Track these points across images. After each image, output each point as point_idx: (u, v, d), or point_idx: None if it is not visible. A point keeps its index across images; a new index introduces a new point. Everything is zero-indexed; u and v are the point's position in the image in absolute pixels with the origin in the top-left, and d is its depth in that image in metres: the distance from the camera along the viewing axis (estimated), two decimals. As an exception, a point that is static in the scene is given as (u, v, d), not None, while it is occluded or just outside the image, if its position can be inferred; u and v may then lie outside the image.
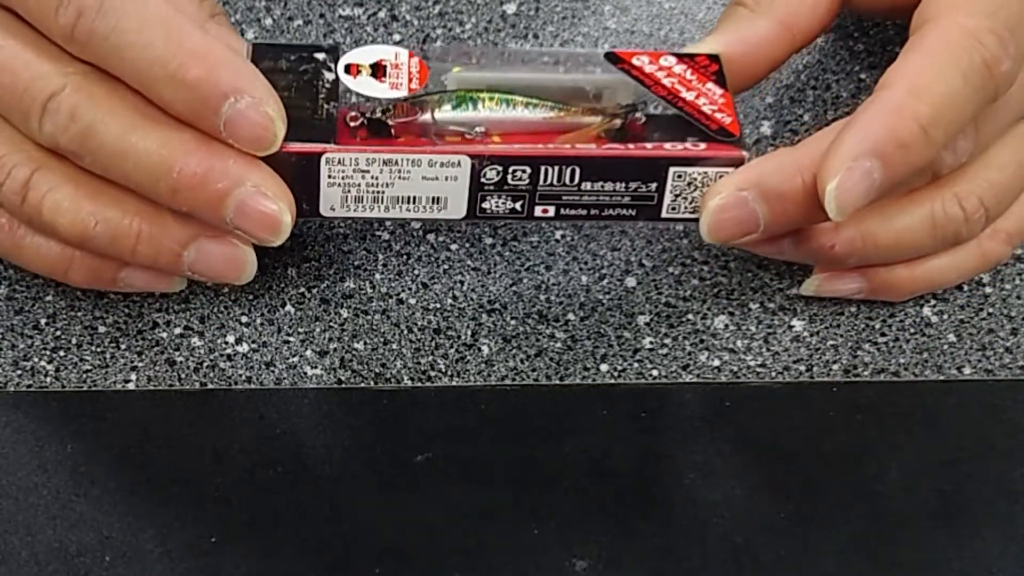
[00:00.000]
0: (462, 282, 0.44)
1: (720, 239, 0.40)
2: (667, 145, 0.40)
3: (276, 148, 0.38)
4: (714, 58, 0.41)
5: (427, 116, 0.40)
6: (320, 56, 0.40)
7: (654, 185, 0.40)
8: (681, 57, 0.41)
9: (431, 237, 0.45)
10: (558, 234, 0.46)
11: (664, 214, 0.40)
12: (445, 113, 0.40)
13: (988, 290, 0.45)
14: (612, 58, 0.41)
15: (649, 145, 0.40)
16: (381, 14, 0.50)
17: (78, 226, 0.38)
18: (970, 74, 0.37)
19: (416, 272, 0.44)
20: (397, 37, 0.49)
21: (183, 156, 0.37)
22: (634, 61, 0.41)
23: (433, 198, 0.40)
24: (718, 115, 0.40)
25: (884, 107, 0.37)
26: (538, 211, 0.40)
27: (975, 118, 0.40)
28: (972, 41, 0.37)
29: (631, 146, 0.40)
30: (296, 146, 0.38)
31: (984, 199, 0.41)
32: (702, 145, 0.39)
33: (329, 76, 0.40)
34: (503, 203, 0.40)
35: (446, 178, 0.39)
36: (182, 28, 0.37)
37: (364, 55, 0.40)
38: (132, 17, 0.36)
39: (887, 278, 0.43)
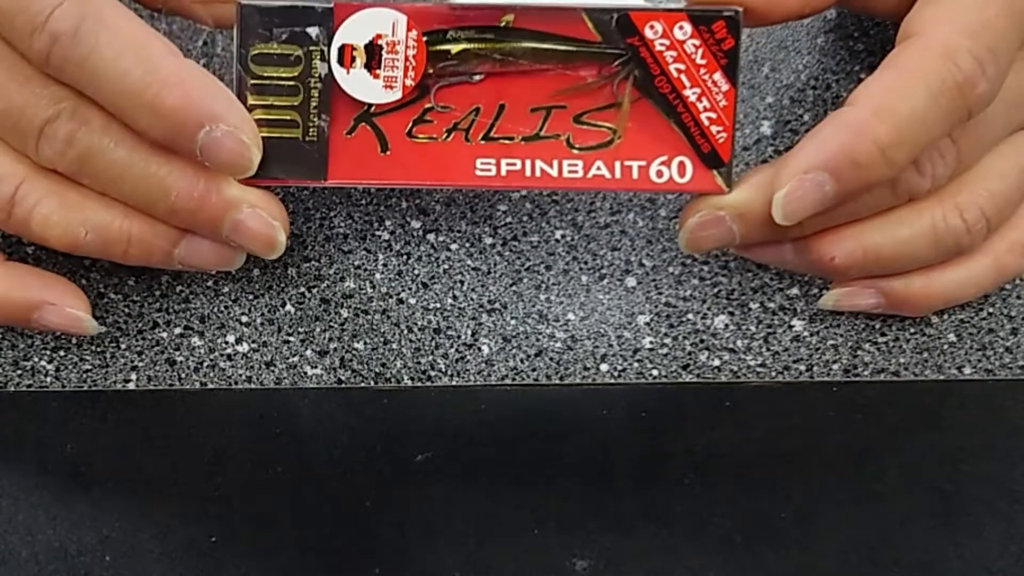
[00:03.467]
0: (462, 282, 0.44)
1: (699, 251, 0.41)
2: (652, 174, 0.39)
3: (252, 172, 0.38)
4: (732, 25, 0.40)
5: (430, 72, 0.39)
6: (313, 32, 0.39)
7: (639, 193, 0.40)
8: (697, 25, 0.40)
9: (431, 237, 0.45)
10: (558, 234, 0.46)
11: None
12: (444, 80, 0.39)
13: (988, 290, 0.45)
14: (624, 25, 0.40)
15: (635, 171, 0.39)
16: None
17: (69, 237, 0.38)
18: (939, 96, 0.37)
19: (416, 272, 0.44)
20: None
21: (179, 180, 0.37)
22: (647, 32, 0.40)
23: (427, 191, 0.40)
24: (714, 129, 0.40)
25: (844, 124, 0.37)
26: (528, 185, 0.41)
27: (955, 139, 0.40)
28: (947, 62, 0.37)
29: (618, 165, 0.39)
30: (288, 180, 0.38)
31: (985, 209, 0.41)
32: (688, 170, 0.39)
33: (322, 69, 0.39)
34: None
35: (442, 188, 0.40)
36: (156, 55, 0.36)
37: (359, 29, 0.39)
38: (106, 45, 0.36)
39: (904, 294, 0.42)
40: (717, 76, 0.40)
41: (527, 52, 0.39)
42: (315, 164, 0.38)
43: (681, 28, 0.40)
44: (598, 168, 0.39)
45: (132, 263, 0.40)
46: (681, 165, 0.39)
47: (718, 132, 0.40)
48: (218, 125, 0.37)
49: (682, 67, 0.40)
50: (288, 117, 0.39)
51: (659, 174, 0.39)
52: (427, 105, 0.39)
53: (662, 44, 0.40)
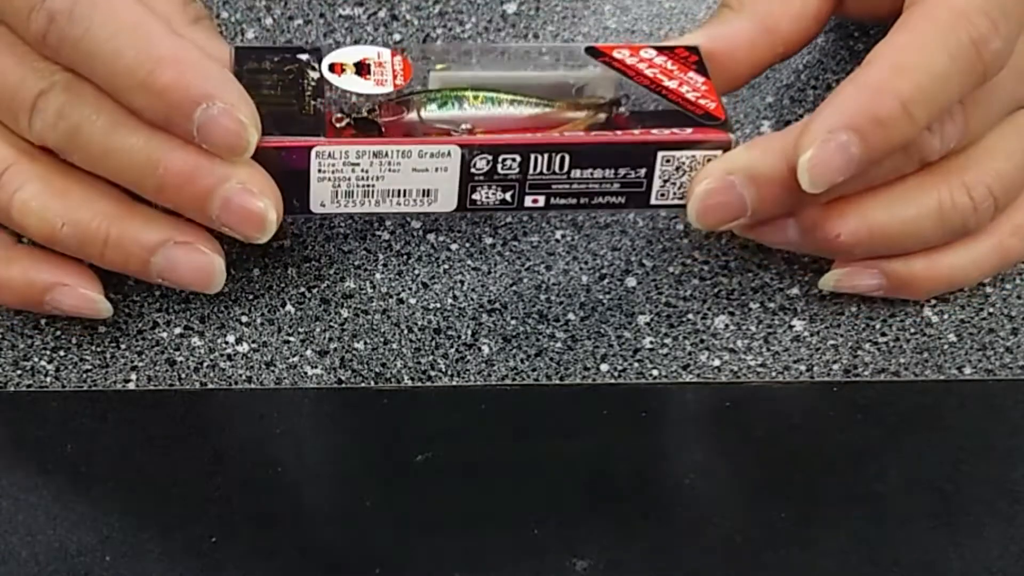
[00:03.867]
0: (462, 282, 0.44)
1: (708, 224, 0.40)
2: (655, 130, 0.40)
3: (250, 153, 0.38)
4: (693, 49, 0.42)
5: (412, 115, 0.40)
6: (303, 57, 0.40)
7: (643, 171, 0.40)
8: (661, 49, 0.42)
9: (431, 237, 0.45)
10: (558, 234, 0.46)
11: (653, 200, 0.40)
12: (431, 112, 0.40)
13: (988, 290, 0.45)
14: (593, 52, 0.42)
15: (637, 131, 0.40)
16: (381, 14, 0.50)
17: (46, 227, 0.38)
18: (957, 53, 0.37)
19: (416, 272, 0.44)
20: (397, 37, 0.49)
21: (167, 153, 0.37)
22: (615, 54, 0.41)
23: (423, 190, 0.40)
24: (702, 101, 0.40)
25: (864, 83, 0.37)
26: (528, 201, 0.40)
27: (964, 102, 0.39)
28: (961, 20, 0.37)
29: (619, 132, 0.40)
30: (286, 140, 0.38)
31: (993, 188, 0.41)
32: (689, 130, 0.40)
33: (314, 75, 0.40)
34: (493, 194, 0.40)
35: (436, 169, 0.39)
36: (152, 34, 0.36)
37: (347, 55, 0.41)
38: (102, 24, 0.36)
39: (906, 276, 0.42)
40: (691, 74, 0.41)
41: (506, 101, 0.41)
42: (313, 126, 0.39)
43: (646, 51, 0.42)
44: (599, 133, 0.40)
45: (109, 266, 0.39)
46: (681, 128, 0.40)
47: (707, 103, 0.40)
48: (214, 103, 0.36)
49: (656, 71, 0.41)
50: (283, 99, 0.39)
51: (660, 131, 0.39)
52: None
53: (632, 60, 0.42)
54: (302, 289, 0.44)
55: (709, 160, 0.39)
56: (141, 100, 0.37)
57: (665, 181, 0.40)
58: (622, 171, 0.40)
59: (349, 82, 0.40)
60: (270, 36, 0.49)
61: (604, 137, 0.40)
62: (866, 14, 0.45)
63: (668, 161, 0.40)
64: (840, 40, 0.49)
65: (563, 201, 0.40)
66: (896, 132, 0.37)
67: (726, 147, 0.39)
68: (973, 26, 0.37)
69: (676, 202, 0.40)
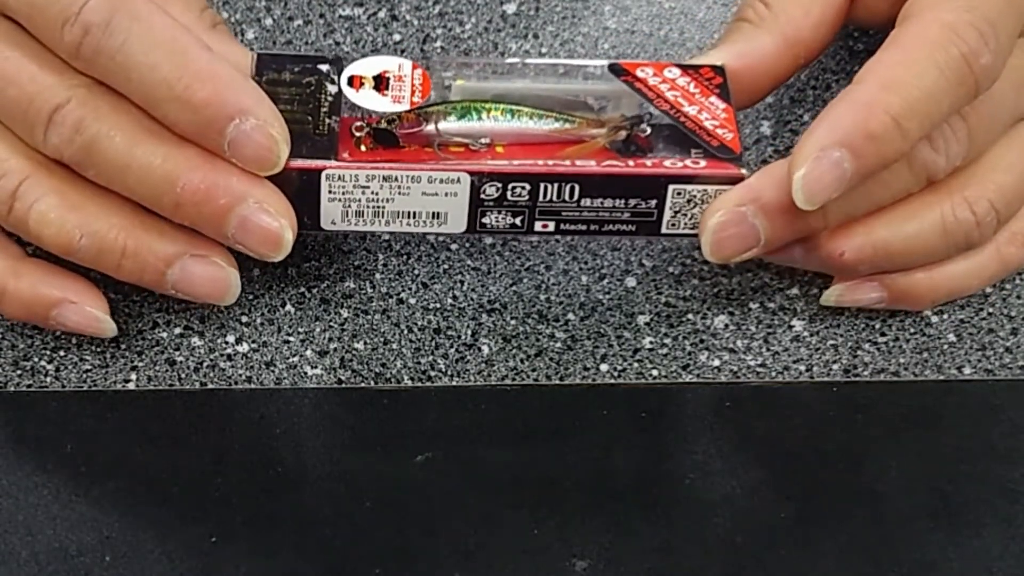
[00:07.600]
0: (462, 282, 0.44)
1: (723, 257, 0.40)
2: (667, 162, 0.40)
3: (279, 169, 0.38)
4: (719, 70, 0.41)
5: (431, 127, 0.40)
6: (323, 68, 0.40)
7: (653, 202, 0.40)
8: (685, 69, 0.41)
9: (431, 237, 0.45)
10: (558, 234, 0.46)
11: (664, 230, 0.40)
12: (449, 124, 0.40)
13: (988, 290, 0.45)
14: (616, 69, 0.41)
15: (648, 162, 0.40)
16: (381, 14, 0.50)
17: (63, 238, 0.38)
18: (947, 68, 0.37)
19: (416, 272, 0.44)
20: (397, 37, 0.49)
21: (186, 171, 0.37)
22: (638, 73, 0.41)
23: (433, 213, 0.40)
24: (719, 131, 0.40)
25: (856, 100, 0.37)
26: (538, 226, 0.40)
27: (967, 118, 0.40)
28: (950, 35, 0.37)
29: (631, 163, 0.40)
30: (297, 162, 0.38)
31: (994, 202, 0.41)
32: (702, 162, 0.39)
33: (332, 89, 0.40)
34: (503, 218, 0.40)
35: (446, 194, 0.39)
36: (189, 48, 0.37)
37: (367, 66, 0.40)
38: (139, 37, 0.36)
39: (907, 287, 0.42)
40: (713, 99, 0.41)
41: (525, 115, 0.40)
42: (325, 148, 0.39)
43: (670, 71, 0.41)
44: (610, 164, 0.40)
45: (124, 278, 0.39)
46: (695, 159, 0.40)
47: (724, 133, 0.40)
48: (247, 119, 0.37)
49: (677, 94, 0.41)
50: (299, 116, 0.39)
51: (673, 164, 0.39)
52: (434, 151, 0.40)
53: (655, 80, 0.41)
54: (302, 289, 0.44)
55: (720, 192, 0.39)
56: (175, 113, 0.37)
57: (676, 212, 0.40)
58: (632, 201, 0.40)
59: (366, 98, 0.40)
60: (270, 36, 0.49)
61: (614, 168, 0.39)
62: (871, 20, 0.45)
63: (679, 194, 0.40)
64: (840, 40, 0.49)
65: (573, 227, 0.40)
66: (889, 147, 0.37)
67: (737, 182, 0.39)
68: (963, 41, 0.37)
69: (687, 232, 0.40)
